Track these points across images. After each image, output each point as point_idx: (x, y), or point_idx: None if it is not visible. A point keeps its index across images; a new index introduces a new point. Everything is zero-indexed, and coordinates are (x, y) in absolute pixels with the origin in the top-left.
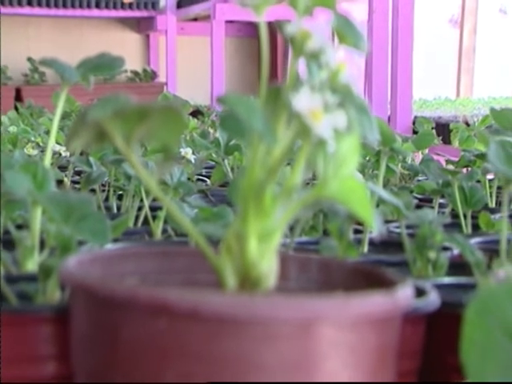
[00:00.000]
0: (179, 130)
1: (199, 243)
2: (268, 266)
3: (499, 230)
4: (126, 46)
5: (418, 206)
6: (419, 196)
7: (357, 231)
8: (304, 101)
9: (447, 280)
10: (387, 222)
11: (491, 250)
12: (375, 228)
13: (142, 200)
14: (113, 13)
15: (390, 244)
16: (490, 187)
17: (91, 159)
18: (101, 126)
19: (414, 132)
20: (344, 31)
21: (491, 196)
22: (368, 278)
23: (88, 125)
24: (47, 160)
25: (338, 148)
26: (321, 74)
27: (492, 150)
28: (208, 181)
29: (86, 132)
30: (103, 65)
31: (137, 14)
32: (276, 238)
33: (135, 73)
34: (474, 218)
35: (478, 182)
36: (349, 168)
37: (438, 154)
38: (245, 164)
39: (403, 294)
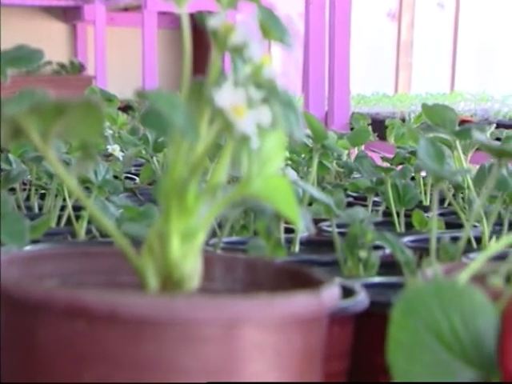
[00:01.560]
0: (98, 126)
1: (120, 243)
2: (191, 266)
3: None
4: (51, 37)
5: (353, 205)
6: (354, 194)
7: (289, 230)
8: (226, 96)
9: (378, 279)
10: (321, 220)
11: (423, 249)
12: (301, 226)
13: (64, 199)
14: (36, 1)
15: (322, 243)
16: (425, 185)
17: (11, 156)
18: (17, 122)
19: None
20: (268, 25)
21: (425, 194)
22: (295, 278)
23: (4, 121)
24: None
25: (263, 145)
26: (245, 69)
27: (421, 147)
28: (137, 179)
29: (2, 128)
30: (21, 58)
31: (62, 2)
32: (200, 237)
33: (61, 65)
34: (408, 216)
35: (413, 179)
36: (274, 165)
37: (374, 151)
38: (167, 161)
39: (329, 294)
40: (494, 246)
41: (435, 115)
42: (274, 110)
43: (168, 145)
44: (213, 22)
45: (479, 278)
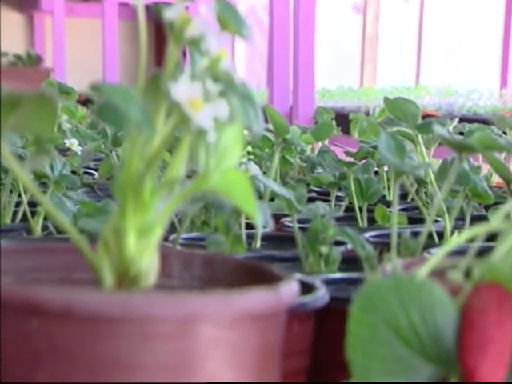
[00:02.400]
0: (52, 120)
1: (76, 239)
2: (148, 262)
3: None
4: (7, 28)
5: (316, 200)
6: (317, 189)
7: (250, 226)
8: (183, 89)
9: (339, 275)
10: (283, 216)
11: (385, 244)
12: (259, 221)
13: (20, 195)
14: None
15: (284, 239)
16: (388, 179)
17: None
18: None
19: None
20: (226, 17)
21: (389, 189)
22: (253, 274)
23: None
24: None
25: (221, 139)
26: (202, 62)
27: (382, 141)
28: (96, 174)
29: None
30: None
31: None
32: (156, 233)
33: (18, 57)
34: (371, 211)
35: (377, 174)
36: (232, 159)
37: (338, 146)
38: (123, 156)
39: (288, 290)
40: (454, 241)
41: (397, 109)
42: (232, 103)
43: (124, 139)
44: (169, 14)
45: (439, 273)
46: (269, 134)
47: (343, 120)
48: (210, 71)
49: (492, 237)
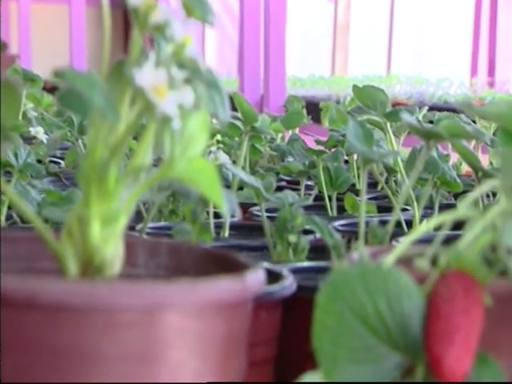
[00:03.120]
0: (15, 107)
1: (39, 228)
2: (112, 251)
3: (366, 212)
4: None
5: (285, 189)
6: (287, 178)
7: (219, 215)
8: (147, 76)
9: (307, 264)
10: (253, 205)
11: (354, 233)
12: (225, 210)
13: None
14: None
15: (253, 228)
16: (358, 168)
17: None
18: None
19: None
20: (191, 4)
21: (359, 177)
22: (220, 263)
23: None
24: None
25: (186, 126)
26: (166, 49)
27: (350, 129)
28: (62, 163)
29: None
30: None
31: None
32: (121, 221)
33: None
34: (341, 200)
35: (347, 162)
36: (197, 147)
37: (308, 134)
38: (87, 143)
39: (254, 278)
40: (420, 229)
41: (366, 97)
42: (197, 90)
43: (88, 126)
44: (133, 0)
45: (406, 261)
46: (238, 123)
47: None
48: (175, 58)
49: (460, 224)
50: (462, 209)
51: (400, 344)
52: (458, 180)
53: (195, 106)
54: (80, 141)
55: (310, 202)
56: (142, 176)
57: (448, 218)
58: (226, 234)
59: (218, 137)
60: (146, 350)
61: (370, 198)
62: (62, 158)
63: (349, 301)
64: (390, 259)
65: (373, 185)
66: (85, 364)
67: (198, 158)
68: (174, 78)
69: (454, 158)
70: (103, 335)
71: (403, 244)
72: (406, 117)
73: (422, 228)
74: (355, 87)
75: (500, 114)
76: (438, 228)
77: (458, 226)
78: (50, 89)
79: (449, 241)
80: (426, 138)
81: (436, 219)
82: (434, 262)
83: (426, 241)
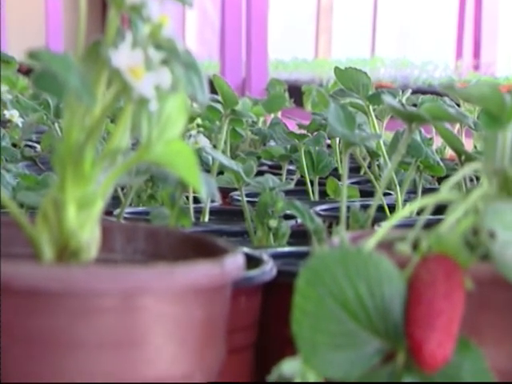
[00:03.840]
0: None
1: (14, 212)
2: (88, 235)
3: (348, 197)
4: None
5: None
6: (268, 163)
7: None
8: (123, 57)
9: (287, 249)
10: (233, 190)
11: (335, 218)
12: (203, 193)
13: None
14: None
15: (234, 213)
16: (341, 152)
17: None
18: None
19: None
20: None
21: (341, 161)
22: (199, 248)
23: None
24: None
25: (163, 108)
26: (143, 29)
27: (331, 112)
28: (38, 147)
29: None
30: None
31: None
32: (98, 205)
33: None
34: (323, 184)
35: (330, 147)
36: (175, 130)
37: (290, 118)
38: (63, 126)
39: (233, 263)
40: (402, 213)
41: (348, 79)
42: (175, 71)
43: (64, 109)
44: None
45: (387, 246)
46: (218, 106)
47: (297, 92)
48: (152, 38)
49: (444, 209)
50: (444, 192)
51: (380, 329)
52: (442, 164)
53: (173, 88)
54: (56, 124)
55: (292, 186)
56: (118, 159)
57: (430, 201)
58: (206, 219)
59: (198, 120)
60: (123, 335)
61: (352, 183)
62: (38, 142)
63: (328, 285)
64: (370, 243)
65: (356, 169)
66: (61, 350)
67: (175, 141)
68: (150, 58)
69: (439, 142)
70: (79, 320)
71: (384, 228)
72: (388, 99)
73: (404, 212)
74: (337, 69)
75: (482, 95)
76: (421, 212)
77: (442, 210)
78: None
79: (432, 225)
80: (409, 120)
81: (418, 203)
82: (416, 246)
83: (409, 225)
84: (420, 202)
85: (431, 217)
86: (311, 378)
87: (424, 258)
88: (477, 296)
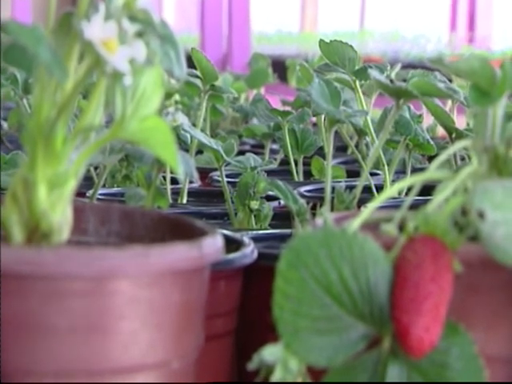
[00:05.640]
0: None
1: None
2: (60, 217)
3: (334, 177)
4: None
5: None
6: (251, 142)
7: (177, 181)
8: (96, 29)
9: (269, 232)
10: (213, 170)
11: (321, 199)
12: (181, 172)
13: None
14: None
15: (214, 195)
16: (326, 130)
17: None
18: None
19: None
20: None
21: (327, 140)
22: (175, 229)
23: None
24: None
25: (138, 83)
26: (117, 0)
27: (314, 88)
28: (5, 124)
29: None
30: None
31: None
32: (69, 185)
33: None
34: (308, 164)
35: (316, 124)
36: (151, 106)
37: (274, 94)
38: (33, 102)
39: (211, 245)
40: (388, 192)
41: (333, 53)
42: (150, 44)
43: (33, 84)
44: None
45: (373, 227)
46: (198, 81)
47: (281, 67)
48: (126, 10)
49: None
50: (432, 171)
51: (365, 313)
52: (432, 142)
53: (148, 62)
54: (25, 100)
55: (275, 166)
56: (91, 137)
57: (417, 180)
58: (184, 200)
59: (176, 97)
60: (96, 320)
61: (339, 163)
62: (5, 119)
63: (311, 268)
64: (355, 224)
65: (343, 148)
66: (31, 334)
67: (151, 117)
68: (125, 31)
69: (430, 120)
70: (50, 304)
71: (369, 208)
72: (374, 74)
73: (391, 191)
74: (322, 42)
75: (471, 69)
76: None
77: (432, 190)
78: None
79: (420, 206)
80: (396, 96)
81: (405, 182)
82: (403, 227)
83: (397, 206)
84: (407, 180)
85: (420, 197)
86: (293, 365)
87: (410, 239)
88: (465, 278)
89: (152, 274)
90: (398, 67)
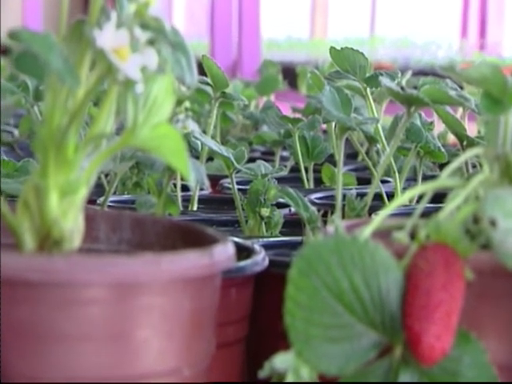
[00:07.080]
0: None
1: None
2: (72, 224)
3: (344, 184)
4: None
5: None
6: (261, 149)
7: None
8: (108, 37)
9: (280, 239)
10: (224, 177)
11: (331, 206)
12: (191, 178)
13: None
14: None
15: (224, 202)
16: (337, 137)
17: None
18: None
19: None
20: None
21: (338, 147)
22: (187, 237)
23: None
24: None
25: (150, 91)
26: (129, 8)
27: (325, 95)
28: (16, 131)
29: None
30: None
31: None
32: (81, 192)
33: None
34: (318, 171)
35: (326, 131)
36: (162, 113)
37: (284, 101)
38: (44, 109)
39: (222, 253)
40: (399, 200)
41: (344, 60)
42: (162, 52)
43: (45, 91)
44: None
45: (384, 234)
46: (208, 89)
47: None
48: (138, 18)
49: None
50: (444, 179)
51: (377, 321)
52: (443, 150)
53: (159, 70)
54: (36, 107)
55: (285, 173)
56: (102, 144)
57: (428, 187)
58: (195, 207)
59: (187, 104)
60: (107, 328)
61: (350, 170)
62: (16, 127)
63: (322, 276)
64: (366, 232)
65: (353, 155)
66: (42, 342)
67: (162, 125)
68: (136, 39)
69: (441, 127)
70: (61, 313)
71: (380, 216)
72: (385, 81)
73: (402, 199)
74: (332, 49)
75: (483, 77)
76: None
77: (443, 198)
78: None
79: (432, 213)
80: (407, 103)
81: (416, 189)
82: (414, 234)
83: (408, 214)
84: (418, 188)
85: (431, 205)
86: (304, 373)
87: (422, 247)
88: (477, 286)
89: (163, 281)
90: (408, 74)
